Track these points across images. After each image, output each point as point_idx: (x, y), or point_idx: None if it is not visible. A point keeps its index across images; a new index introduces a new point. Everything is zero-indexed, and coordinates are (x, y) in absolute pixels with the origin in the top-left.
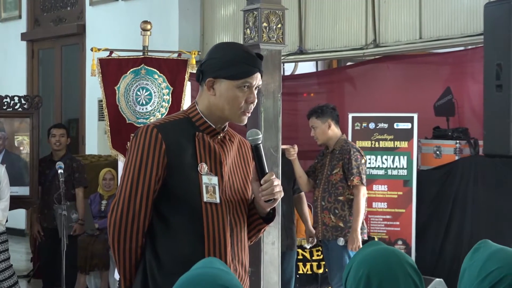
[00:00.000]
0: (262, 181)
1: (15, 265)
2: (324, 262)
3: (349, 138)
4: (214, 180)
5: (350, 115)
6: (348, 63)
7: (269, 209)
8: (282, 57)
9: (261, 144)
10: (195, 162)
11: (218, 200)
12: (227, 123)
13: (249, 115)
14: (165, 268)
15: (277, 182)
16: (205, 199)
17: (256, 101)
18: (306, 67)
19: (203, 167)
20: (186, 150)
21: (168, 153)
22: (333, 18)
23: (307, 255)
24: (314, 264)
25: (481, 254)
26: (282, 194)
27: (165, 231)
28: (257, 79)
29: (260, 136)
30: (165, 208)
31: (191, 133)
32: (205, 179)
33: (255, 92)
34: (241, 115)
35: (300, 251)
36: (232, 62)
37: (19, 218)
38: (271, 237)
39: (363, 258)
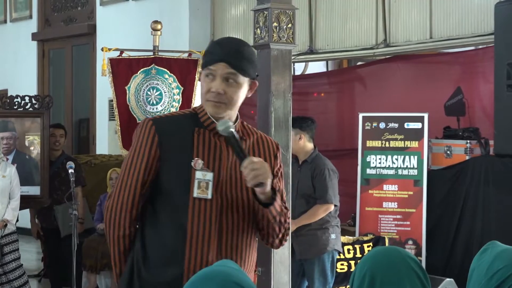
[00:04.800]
0: (241, 169)
1: (26, 264)
2: None
3: (359, 138)
4: (209, 176)
5: (361, 115)
6: (359, 63)
7: (271, 194)
8: (293, 57)
9: (234, 131)
10: (191, 157)
11: (209, 196)
12: (237, 119)
13: (218, 104)
14: (149, 260)
15: (258, 165)
16: (194, 195)
17: (219, 91)
18: (316, 67)
19: (198, 163)
20: (183, 145)
21: (161, 146)
22: (343, 18)
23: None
24: None
25: (489, 254)
26: (268, 175)
27: (154, 224)
28: (220, 69)
29: (231, 124)
30: (157, 201)
31: (192, 128)
32: (198, 174)
33: (224, 82)
34: (207, 104)
35: None
36: (205, 53)
37: (29, 218)
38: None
39: (366, 257)
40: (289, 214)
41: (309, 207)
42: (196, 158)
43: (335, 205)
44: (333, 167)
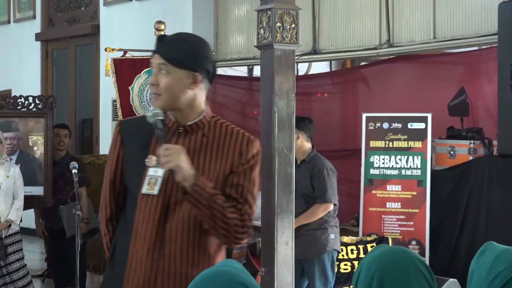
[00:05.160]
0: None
1: (29, 264)
2: (337, 262)
3: (363, 138)
4: (160, 172)
5: (364, 115)
6: (362, 63)
7: (192, 184)
8: (296, 57)
9: (158, 120)
10: (147, 155)
11: (155, 192)
12: (197, 116)
13: (155, 96)
14: (113, 259)
15: (170, 152)
16: (143, 191)
17: (152, 82)
18: (320, 67)
19: (152, 159)
20: (143, 144)
21: (123, 146)
22: (347, 18)
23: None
24: None
25: (488, 255)
26: (178, 162)
27: (121, 223)
28: (155, 61)
29: (158, 112)
30: (125, 199)
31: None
32: (150, 171)
33: (158, 73)
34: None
35: None
36: None
37: (33, 218)
38: (285, 237)
39: (373, 258)
40: (251, 210)
41: (308, 207)
42: (150, 156)
43: (335, 204)
44: (331, 167)
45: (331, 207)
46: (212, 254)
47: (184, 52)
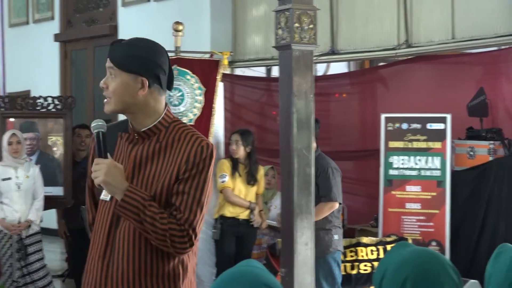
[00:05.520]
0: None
1: (50, 265)
2: (357, 263)
3: (382, 139)
4: None
5: (383, 116)
6: (381, 64)
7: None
8: (314, 58)
9: (101, 132)
10: None
11: (108, 198)
12: (151, 121)
13: (106, 100)
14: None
15: (97, 167)
16: (101, 197)
17: (101, 85)
18: (339, 67)
19: None
20: (110, 150)
21: (94, 153)
22: (365, 18)
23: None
24: (348, 264)
25: (504, 258)
26: (101, 178)
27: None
28: (107, 64)
29: (100, 124)
30: None
31: (118, 133)
32: None
33: (108, 77)
34: None
35: None
36: None
37: (53, 218)
38: (304, 238)
39: (403, 261)
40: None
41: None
42: None
43: (340, 204)
44: (336, 166)
45: (336, 205)
46: (168, 261)
47: (130, 56)
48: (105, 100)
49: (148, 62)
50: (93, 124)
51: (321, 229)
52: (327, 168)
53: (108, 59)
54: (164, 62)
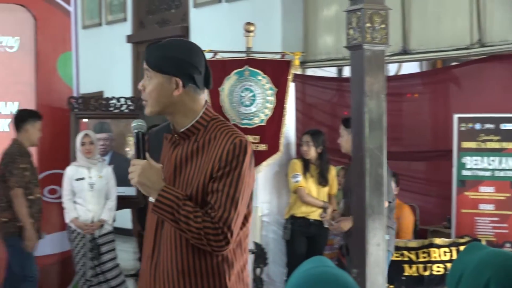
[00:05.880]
0: None
1: (123, 264)
2: (430, 264)
3: (455, 139)
4: None
5: (456, 116)
6: (453, 63)
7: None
8: (386, 58)
9: (140, 132)
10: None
11: (152, 200)
12: (190, 121)
13: (144, 102)
14: None
15: (132, 168)
16: (150, 198)
17: (139, 87)
18: (411, 67)
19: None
20: (160, 152)
21: (150, 155)
22: (437, 18)
23: (413, 257)
24: (420, 266)
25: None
26: (134, 179)
27: None
28: (144, 66)
29: (141, 124)
30: None
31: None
32: None
33: (145, 79)
34: None
35: (406, 253)
36: None
37: (126, 218)
38: (376, 239)
39: (482, 262)
40: (213, 215)
41: None
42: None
43: (390, 202)
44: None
45: (386, 204)
46: (211, 259)
47: (163, 57)
48: (144, 102)
49: (181, 62)
50: (133, 124)
51: None
52: None
53: (144, 61)
54: (199, 61)
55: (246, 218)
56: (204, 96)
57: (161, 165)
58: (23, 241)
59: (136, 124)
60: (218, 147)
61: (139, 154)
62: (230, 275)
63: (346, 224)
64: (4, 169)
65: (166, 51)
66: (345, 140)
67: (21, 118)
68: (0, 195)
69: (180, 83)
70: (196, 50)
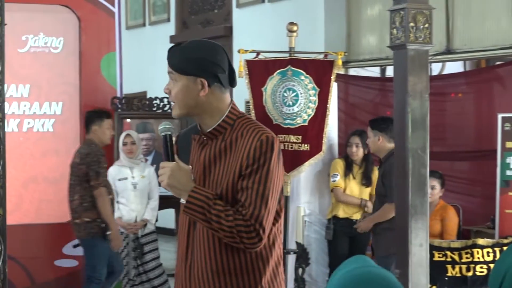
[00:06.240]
0: None
1: (165, 264)
2: (473, 265)
3: (498, 139)
4: None
5: (500, 116)
6: (497, 63)
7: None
8: (429, 57)
9: (168, 135)
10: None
11: (183, 201)
12: (216, 121)
13: (172, 105)
14: None
15: (162, 171)
16: (181, 200)
17: (165, 90)
18: (454, 67)
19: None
20: (189, 154)
21: (179, 157)
22: (481, 17)
23: (456, 257)
24: (463, 266)
25: None
26: (164, 181)
27: None
28: (167, 69)
29: (168, 127)
30: None
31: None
32: None
33: (170, 82)
34: None
35: (449, 253)
36: None
37: (168, 218)
38: (419, 239)
39: None
40: (251, 212)
41: (381, 206)
42: (190, 165)
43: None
44: None
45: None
46: (245, 257)
47: (186, 59)
48: (172, 104)
49: (204, 62)
50: (160, 127)
51: (389, 229)
52: (393, 168)
53: (168, 64)
54: (221, 60)
55: (278, 214)
56: (229, 95)
57: (190, 166)
58: (108, 241)
59: (164, 126)
60: (245, 145)
61: (168, 157)
62: (266, 271)
63: (363, 225)
64: (88, 168)
65: (189, 52)
66: (372, 141)
67: (87, 120)
68: (83, 195)
69: (206, 83)
70: (218, 49)
